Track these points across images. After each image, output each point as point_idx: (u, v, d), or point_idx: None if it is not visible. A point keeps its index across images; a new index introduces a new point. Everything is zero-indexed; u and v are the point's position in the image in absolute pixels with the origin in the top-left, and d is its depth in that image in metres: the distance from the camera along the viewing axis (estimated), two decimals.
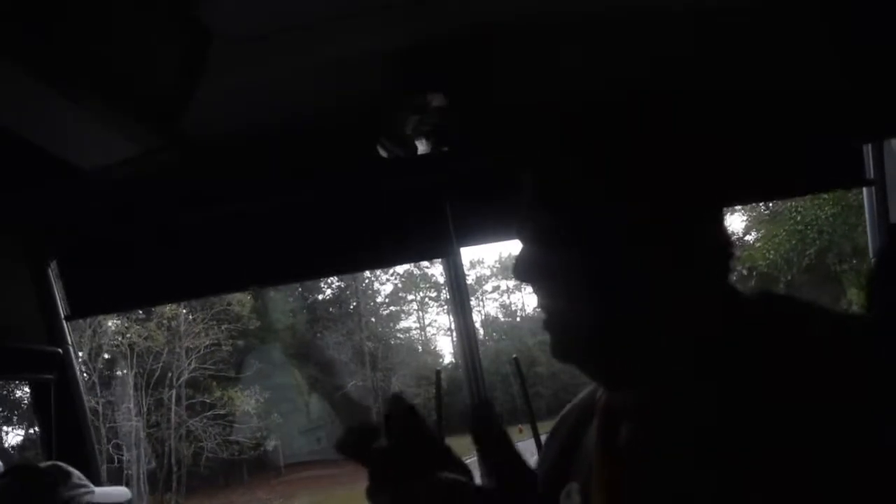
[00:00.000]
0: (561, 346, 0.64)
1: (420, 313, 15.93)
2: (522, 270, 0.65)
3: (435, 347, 16.18)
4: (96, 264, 1.67)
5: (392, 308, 16.04)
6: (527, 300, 16.08)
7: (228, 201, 1.54)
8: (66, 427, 1.62)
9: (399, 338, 16.03)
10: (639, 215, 0.60)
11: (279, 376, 13.87)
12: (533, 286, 0.65)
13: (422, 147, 1.30)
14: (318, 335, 14.68)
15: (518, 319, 14.82)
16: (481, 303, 15.42)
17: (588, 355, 0.63)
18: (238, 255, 1.62)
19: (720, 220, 0.65)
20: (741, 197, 1.67)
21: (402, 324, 16.07)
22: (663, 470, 0.57)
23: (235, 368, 13.18)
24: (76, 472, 1.40)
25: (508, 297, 15.32)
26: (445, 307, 15.18)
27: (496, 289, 15.43)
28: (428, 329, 16.05)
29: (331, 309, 15.22)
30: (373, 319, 15.57)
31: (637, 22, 1.09)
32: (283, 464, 13.61)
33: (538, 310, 0.66)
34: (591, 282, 0.60)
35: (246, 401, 12.73)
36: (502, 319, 15.36)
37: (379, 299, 15.81)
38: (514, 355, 2.16)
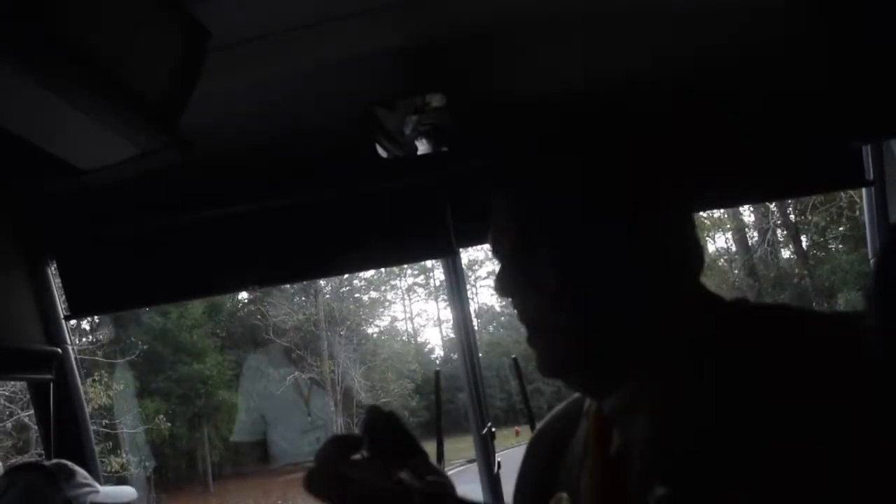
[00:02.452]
0: (546, 362, 0.64)
1: (406, 301, 13.92)
2: (503, 286, 0.65)
3: (419, 339, 14.17)
4: (96, 264, 1.67)
5: (373, 293, 13.79)
6: None
7: (227, 201, 1.53)
8: (65, 426, 1.62)
9: (371, 322, 13.42)
10: (628, 221, 0.61)
11: (188, 365, 10.64)
12: (514, 301, 0.65)
13: (421, 147, 1.30)
14: (256, 312, 11.84)
15: (517, 311, 13.80)
16: (474, 289, 13.65)
17: (573, 368, 0.64)
18: (237, 255, 1.62)
19: (694, 225, 0.65)
20: (739, 198, 1.67)
21: (381, 310, 13.78)
22: (655, 475, 0.57)
23: (106, 351, 9.57)
24: (81, 471, 1.40)
25: None
26: (434, 294, 13.51)
27: (491, 274, 13.33)
28: (416, 319, 14.05)
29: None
30: (336, 301, 12.82)
31: (637, 22, 1.09)
32: (213, 479, 10.72)
33: (521, 326, 0.67)
34: (574, 291, 0.60)
35: (100, 395, 8.75)
36: (498, 309, 13.71)
37: (357, 282, 13.42)
38: (514, 355, 2.16)
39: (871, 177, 1.50)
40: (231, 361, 11.63)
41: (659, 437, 0.57)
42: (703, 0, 1.04)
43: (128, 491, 1.56)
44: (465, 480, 1.04)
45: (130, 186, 1.25)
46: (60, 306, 1.68)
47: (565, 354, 0.63)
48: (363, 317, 13.28)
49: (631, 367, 0.61)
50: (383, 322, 14.07)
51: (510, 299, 0.66)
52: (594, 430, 0.65)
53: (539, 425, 0.81)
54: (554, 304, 0.61)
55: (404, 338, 14.09)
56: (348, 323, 12.65)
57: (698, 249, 0.64)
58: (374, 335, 13.58)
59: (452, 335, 12.46)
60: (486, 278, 13.55)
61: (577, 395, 0.77)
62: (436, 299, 13.72)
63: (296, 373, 11.52)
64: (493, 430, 1.68)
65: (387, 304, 13.90)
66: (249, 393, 11.13)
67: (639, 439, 0.59)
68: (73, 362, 1.68)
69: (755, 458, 0.51)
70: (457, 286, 1.66)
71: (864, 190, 1.56)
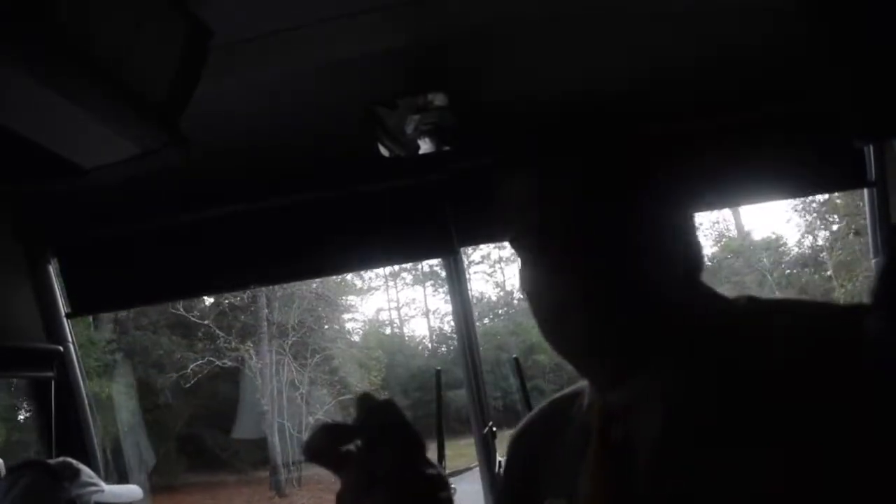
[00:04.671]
0: (565, 344, 0.65)
1: (392, 288, 11.96)
2: (525, 277, 0.66)
3: (405, 329, 12.21)
4: (97, 262, 1.67)
5: (349, 275, 11.52)
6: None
7: (229, 201, 1.54)
8: (66, 425, 1.63)
9: (337, 304, 11.10)
10: (636, 214, 0.62)
11: None
12: (535, 291, 0.66)
13: (423, 146, 1.31)
14: None
15: (515, 302, 11.59)
16: (468, 274, 11.86)
17: (589, 353, 0.64)
18: (238, 254, 1.62)
19: (694, 225, 0.67)
20: (741, 197, 1.67)
21: (355, 298, 11.64)
22: (658, 468, 0.57)
23: None
24: (86, 470, 1.40)
25: (502, 271, 12.01)
26: (421, 280, 11.75)
27: (485, 258, 12.05)
28: (401, 308, 12.02)
29: None
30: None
31: (638, 22, 1.09)
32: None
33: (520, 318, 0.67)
34: (599, 276, 0.61)
35: None
36: (494, 298, 12.21)
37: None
38: (515, 355, 2.16)
39: (873, 177, 1.50)
40: (105, 340, 8.73)
41: (669, 435, 0.58)
42: (703, 1, 1.04)
43: (133, 490, 1.56)
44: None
45: (131, 185, 1.25)
46: (62, 304, 1.68)
47: (583, 338, 0.62)
48: (322, 294, 10.74)
49: (643, 358, 0.61)
50: (355, 305, 11.85)
51: (532, 291, 0.65)
52: (598, 426, 0.65)
53: (519, 425, 0.80)
54: (577, 287, 0.61)
55: (387, 328, 12.16)
56: (301, 301, 10.03)
57: (701, 249, 0.66)
58: (340, 318, 11.32)
59: (440, 325, 11.74)
60: (479, 263, 11.83)
61: (556, 395, 0.77)
62: (423, 285, 12.03)
63: (208, 358, 8.82)
64: (494, 429, 1.68)
65: (370, 290, 11.92)
66: (133, 386, 8.15)
67: (646, 437, 0.59)
68: (75, 360, 1.69)
69: (762, 456, 0.51)
70: (458, 285, 1.66)
71: (865, 190, 1.56)
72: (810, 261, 9.69)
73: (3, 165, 0.94)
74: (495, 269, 11.97)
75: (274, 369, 9.32)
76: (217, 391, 8.96)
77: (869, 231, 1.61)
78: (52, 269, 1.68)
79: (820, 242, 9.74)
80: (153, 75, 0.82)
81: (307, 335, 9.85)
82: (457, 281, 1.65)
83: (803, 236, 10.02)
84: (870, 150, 1.49)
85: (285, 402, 9.48)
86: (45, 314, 1.65)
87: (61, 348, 1.64)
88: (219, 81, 0.93)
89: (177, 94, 0.85)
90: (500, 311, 11.78)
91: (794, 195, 1.72)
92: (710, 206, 1.63)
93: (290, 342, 9.71)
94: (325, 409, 9.64)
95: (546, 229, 0.62)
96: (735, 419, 0.54)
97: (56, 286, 1.69)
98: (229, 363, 9.17)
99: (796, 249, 10.07)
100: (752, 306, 0.62)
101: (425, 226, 1.55)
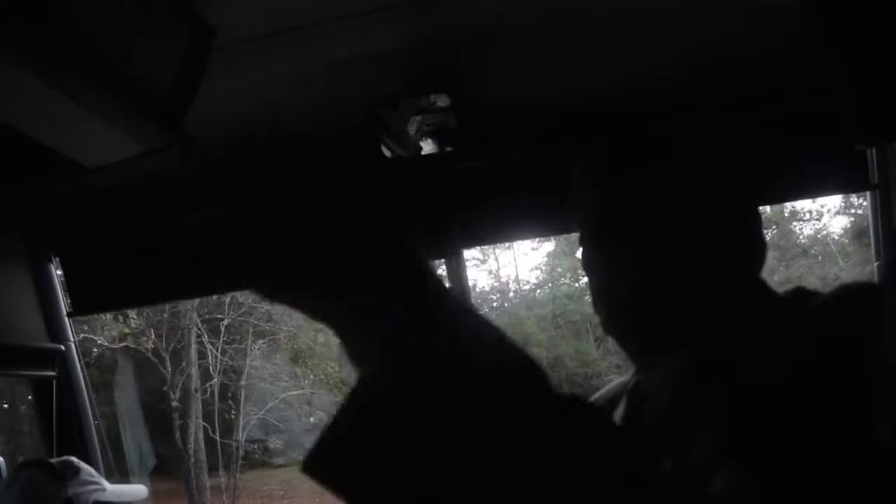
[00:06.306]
0: (607, 320, 0.72)
1: None
2: (584, 246, 0.74)
3: None
4: (98, 261, 1.68)
5: None
6: (520, 264, 12.09)
7: (229, 201, 1.54)
8: (68, 425, 1.63)
9: None
10: (694, 206, 0.68)
11: None
12: (588, 258, 0.73)
13: (425, 147, 1.31)
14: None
15: (511, 294, 11.01)
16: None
17: (626, 330, 0.71)
18: (239, 256, 1.62)
19: (748, 219, 0.72)
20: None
21: None
22: (684, 450, 0.57)
23: None
24: (87, 469, 1.40)
25: (496, 258, 11.11)
26: None
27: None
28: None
29: None
30: None
31: (639, 23, 1.09)
32: None
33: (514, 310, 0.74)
34: (639, 258, 0.67)
35: None
36: (489, 290, 11.40)
37: None
38: None
39: (875, 180, 1.49)
40: None
41: (673, 415, 0.58)
42: (702, 1, 1.05)
43: (138, 489, 1.55)
44: None
45: (133, 185, 1.26)
46: (63, 303, 1.69)
47: (622, 314, 0.69)
48: None
49: (674, 340, 0.63)
50: None
51: (587, 257, 0.73)
52: (627, 404, 0.68)
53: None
54: (620, 266, 0.68)
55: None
56: None
57: (760, 244, 0.71)
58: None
59: None
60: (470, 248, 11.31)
61: (619, 379, 0.80)
62: None
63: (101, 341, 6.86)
64: None
65: None
66: None
67: (670, 416, 0.60)
68: (77, 360, 1.69)
69: (779, 446, 0.51)
70: (458, 280, 1.66)
71: (868, 193, 1.56)
72: (854, 232, 9.42)
73: (6, 164, 0.95)
74: (488, 257, 11.29)
75: (194, 355, 7.36)
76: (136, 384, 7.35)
77: (871, 235, 1.60)
78: (54, 269, 1.69)
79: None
80: (156, 75, 0.83)
81: (248, 314, 7.79)
82: (456, 275, 1.65)
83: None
84: (872, 153, 1.49)
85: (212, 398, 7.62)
86: (47, 313, 1.66)
87: (63, 347, 1.64)
88: (219, 81, 0.93)
89: (180, 94, 0.85)
90: (494, 304, 11.28)
91: (794, 198, 1.71)
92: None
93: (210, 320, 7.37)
94: (268, 407, 8.05)
95: (614, 204, 0.70)
96: (755, 411, 0.53)
97: (57, 285, 1.69)
98: (137, 347, 7.29)
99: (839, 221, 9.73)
100: (796, 304, 0.63)
101: (426, 227, 1.55)
